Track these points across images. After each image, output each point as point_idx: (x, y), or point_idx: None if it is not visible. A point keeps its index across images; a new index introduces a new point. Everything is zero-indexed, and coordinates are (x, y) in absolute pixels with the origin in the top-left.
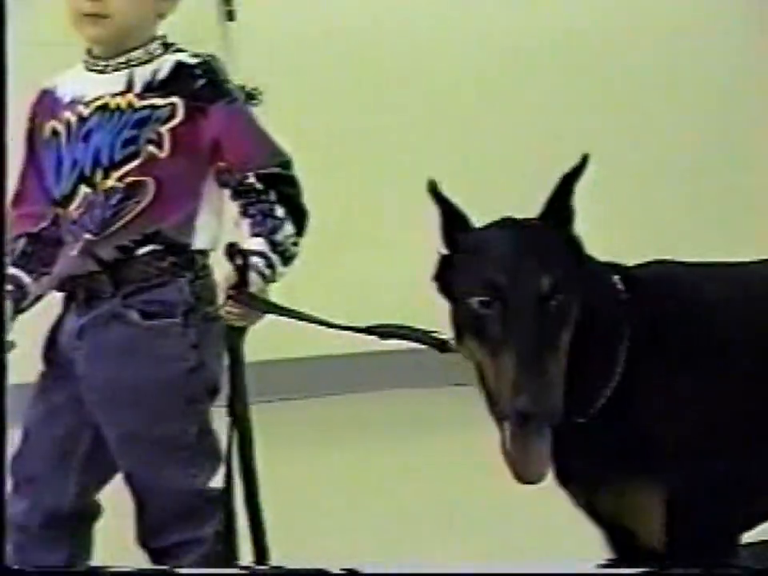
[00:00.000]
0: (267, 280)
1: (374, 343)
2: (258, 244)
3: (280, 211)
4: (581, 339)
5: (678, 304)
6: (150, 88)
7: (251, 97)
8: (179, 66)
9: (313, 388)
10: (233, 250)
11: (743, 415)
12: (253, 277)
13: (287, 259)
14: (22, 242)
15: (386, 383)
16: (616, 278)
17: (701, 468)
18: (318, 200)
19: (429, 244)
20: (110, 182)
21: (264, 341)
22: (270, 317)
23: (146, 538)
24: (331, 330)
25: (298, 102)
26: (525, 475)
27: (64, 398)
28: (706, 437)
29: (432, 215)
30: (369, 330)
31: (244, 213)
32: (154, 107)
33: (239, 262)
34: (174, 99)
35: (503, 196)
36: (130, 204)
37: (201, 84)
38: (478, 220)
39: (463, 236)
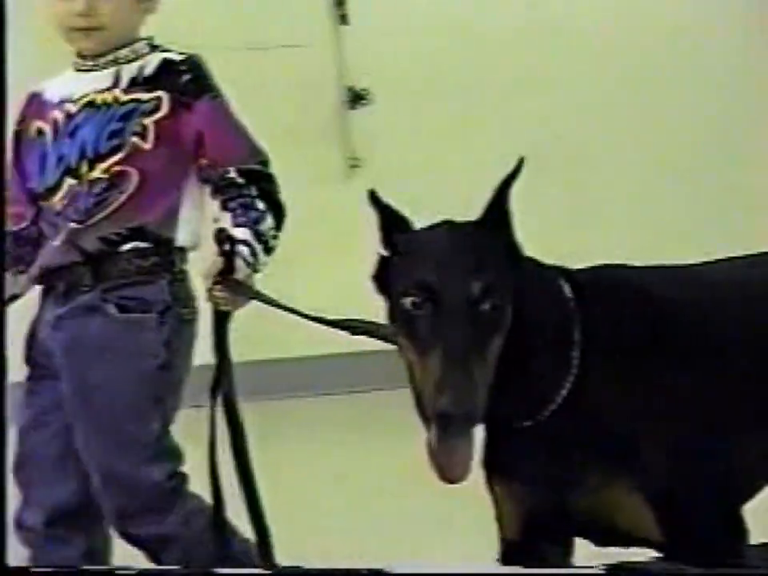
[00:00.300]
0: (252, 268)
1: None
2: (242, 233)
3: (261, 205)
4: (527, 344)
5: (628, 306)
6: (136, 83)
7: (360, 97)
8: (165, 63)
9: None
10: (222, 236)
11: (700, 411)
12: (239, 263)
13: (269, 249)
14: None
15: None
16: (563, 281)
17: (669, 464)
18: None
19: None
20: (96, 173)
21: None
22: (258, 309)
23: (112, 525)
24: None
25: (406, 102)
26: (447, 475)
27: (50, 399)
28: (669, 434)
29: None
30: (340, 325)
31: (224, 207)
32: (139, 101)
33: (227, 247)
34: (160, 93)
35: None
36: (114, 194)
37: (186, 79)
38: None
39: (401, 237)
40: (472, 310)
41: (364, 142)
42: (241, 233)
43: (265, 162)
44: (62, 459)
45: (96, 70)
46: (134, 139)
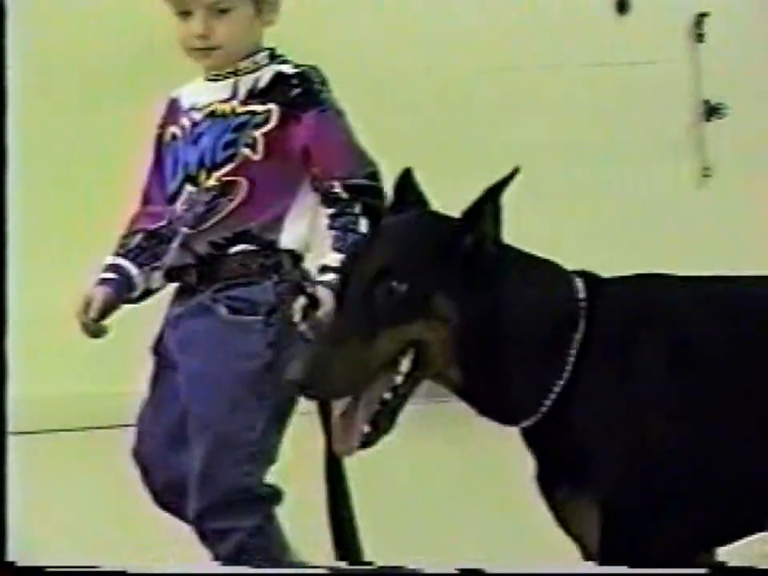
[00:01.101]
0: None
1: None
2: (335, 261)
3: (363, 225)
4: (515, 341)
5: (638, 317)
6: (252, 95)
7: (715, 110)
8: (278, 76)
9: None
10: (298, 290)
11: (689, 430)
12: (324, 294)
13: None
14: (139, 237)
15: None
16: (579, 284)
17: (635, 481)
18: None
19: None
20: (211, 182)
21: None
22: None
23: (192, 519)
24: None
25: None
26: (334, 449)
27: (167, 388)
28: (644, 450)
29: None
30: None
31: (330, 225)
32: (252, 113)
33: (305, 300)
34: (271, 106)
35: None
36: (224, 201)
37: (296, 93)
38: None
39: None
40: (366, 290)
41: (716, 153)
42: (334, 260)
43: (372, 175)
44: (175, 445)
45: (219, 80)
46: (245, 150)
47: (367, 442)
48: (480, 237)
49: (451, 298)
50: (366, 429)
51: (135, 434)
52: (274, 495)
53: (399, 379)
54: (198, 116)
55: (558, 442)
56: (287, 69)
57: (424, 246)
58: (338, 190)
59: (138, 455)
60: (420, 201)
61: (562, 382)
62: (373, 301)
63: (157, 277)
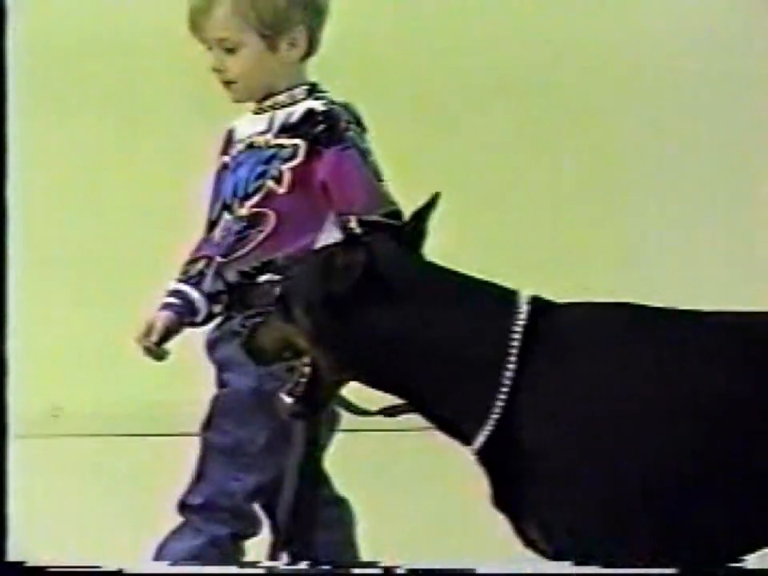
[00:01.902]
0: None
1: None
2: None
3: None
4: (442, 359)
5: (577, 342)
6: (284, 130)
7: None
8: (309, 113)
9: None
10: None
11: (628, 450)
12: None
13: None
14: (201, 263)
15: None
16: (524, 307)
17: (575, 503)
18: None
19: None
20: (243, 211)
21: None
22: None
23: (177, 507)
24: None
25: None
26: None
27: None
28: (581, 474)
29: None
30: None
31: None
32: (281, 147)
33: None
34: (298, 141)
35: None
36: (254, 232)
37: (321, 129)
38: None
39: None
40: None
41: None
42: None
43: (391, 214)
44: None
45: (259, 113)
46: (271, 183)
47: (295, 413)
48: (369, 261)
49: (310, 317)
50: (288, 399)
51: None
52: (254, 519)
53: (306, 369)
54: (240, 147)
55: (507, 464)
56: (318, 105)
57: (297, 269)
58: (352, 224)
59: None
60: None
61: (500, 404)
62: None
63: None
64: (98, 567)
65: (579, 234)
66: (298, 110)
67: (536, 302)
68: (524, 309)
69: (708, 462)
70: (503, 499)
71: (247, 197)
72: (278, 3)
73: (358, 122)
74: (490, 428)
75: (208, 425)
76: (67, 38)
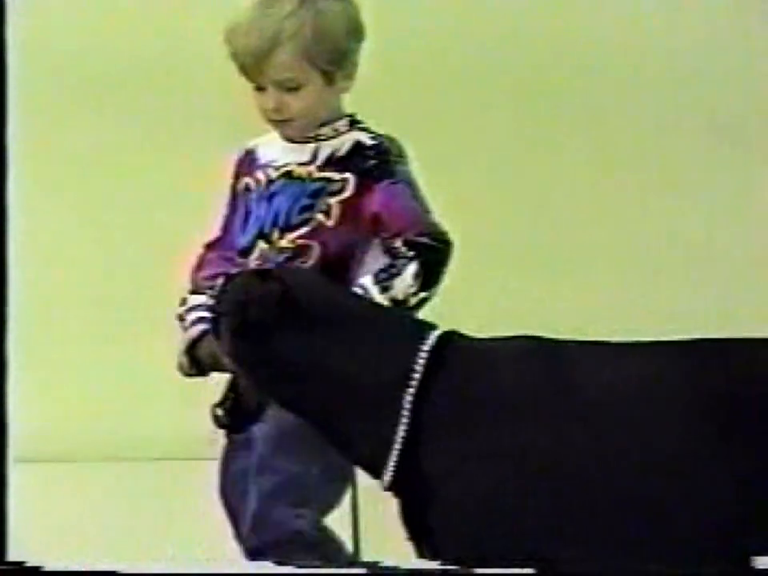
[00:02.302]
0: None
1: None
2: (364, 279)
3: (410, 273)
4: (353, 391)
5: (473, 382)
6: (330, 162)
7: None
8: (357, 146)
9: None
10: None
11: (526, 489)
12: None
13: (387, 291)
14: (221, 280)
15: None
16: (430, 339)
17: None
18: None
19: None
20: (284, 242)
21: None
22: None
23: (246, 556)
24: None
25: None
26: None
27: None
28: (483, 506)
29: None
30: None
31: (378, 270)
32: (329, 180)
33: None
34: (348, 175)
35: None
36: (297, 263)
37: (372, 163)
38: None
39: None
40: None
41: None
42: (363, 279)
43: (438, 238)
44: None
45: (298, 143)
46: (320, 216)
47: (223, 425)
48: (284, 290)
49: (230, 339)
50: (218, 411)
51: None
52: (328, 540)
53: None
54: (273, 174)
55: (414, 493)
56: (366, 138)
57: (230, 293)
58: (398, 244)
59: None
60: None
61: (400, 438)
62: None
63: None
64: (97, 567)
65: (580, 233)
66: (345, 144)
67: (445, 335)
68: (430, 340)
69: (594, 476)
70: (412, 525)
71: (290, 228)
72: (340, 38)
73: (403, 155)
74: (394, 462)
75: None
76: (70, 44)
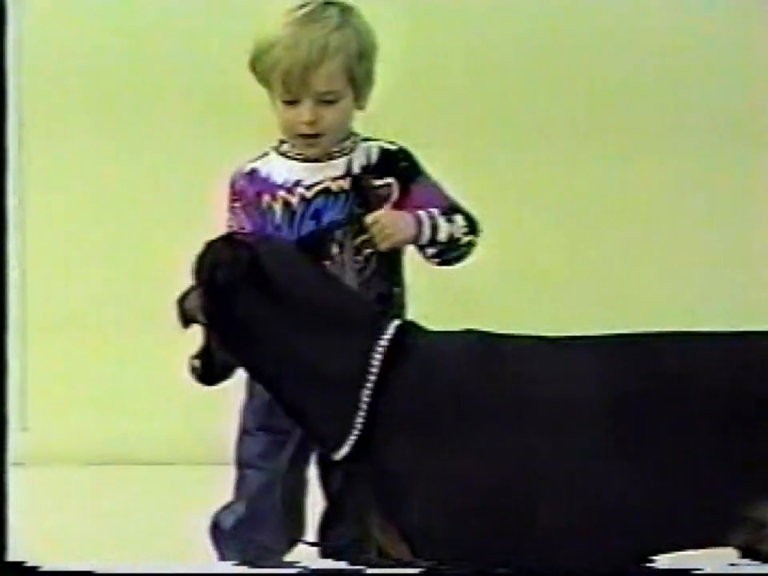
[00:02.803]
0: (430, 233)
1: None
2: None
3: (460, 216)
4: (311, 370)
5: (436, 362)
6: (367, 172)
7: None
8: (385, 153)
9: None
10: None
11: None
12: (423, 217)
13: (451, 236)
14: None
15: None
16: (390, 329)
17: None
18: None
19: None
20: (346, 255)
21: None
22: None
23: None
24: None
25: None
26: None
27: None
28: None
29: None
30: None
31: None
32: (376, 187)
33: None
34: (389, 180)
35: None
36: (365, 273)
37: (403, 166)
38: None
39: None
40: None
41: None
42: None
43: (472, 220)
44: None
45: (324, 161)
46: None
47: (198, 375)
48: (253, 258)
49: (201, 296)
50: (195, 363)
51: None
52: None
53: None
54: (308, 193)
55: (368, 479)
56: (386, 146)
57: (205, 255)
58: (435, 213)
59: None
60: None
61: (360, 420)
62: None
63: None
64: (97, 568)
65: (585, 233)
66: (372, 153)
67: (403, 326)
68: (389, 331)
69: (545, 470)
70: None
71: (345, 240)
72: (373, 57)
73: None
74: (352, 439)
75: None
76: (70, 45)
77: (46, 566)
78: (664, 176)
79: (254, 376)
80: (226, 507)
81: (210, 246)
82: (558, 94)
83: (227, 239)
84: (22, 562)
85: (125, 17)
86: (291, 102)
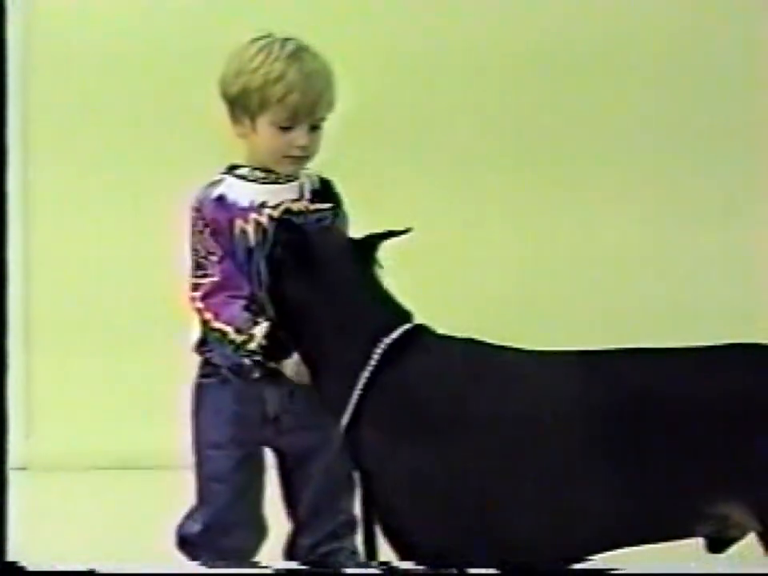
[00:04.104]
0: None
1: None
2: None
3: None
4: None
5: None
6: (315, 195)
7: None
8: (323, 180)
9: None
10: None
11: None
12: None
13: None
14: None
15: None
16: (398, 329)
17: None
18: None
19: None
20: None
21: None
22: None
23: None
24: None
25: None
26: None
27: None
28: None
29: None
30: None
31: None
32: (320, 210)
33: None
34: (329, 205)
35: None
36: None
37: (336, 193)
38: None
39: None
40: None
41: None
42: None
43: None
44: None
45: (281, 183)
46: None
47: (263, 351)
48: (304, 241)
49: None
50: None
51: None
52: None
53: None
54: (275, 213)
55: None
56: (323, 176)
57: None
58: None
59: None
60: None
61: (354, 399)
62: None
63: None
64: (97, 568)
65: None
66: (314, 179)
67: (415, 329)
68: (399, 330)
69: (515, 470)
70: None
71: None
72: None
73: None
74: (348, 416)
75: None
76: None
77: (47, 567)
78: (664, 176)
79: (295, 343)
80: (190, 516)
81: (276, 226)
82: (557, 94)
83: (286, 223)
84: (15, 562)
85: (128, 18)
86: (287, 128)
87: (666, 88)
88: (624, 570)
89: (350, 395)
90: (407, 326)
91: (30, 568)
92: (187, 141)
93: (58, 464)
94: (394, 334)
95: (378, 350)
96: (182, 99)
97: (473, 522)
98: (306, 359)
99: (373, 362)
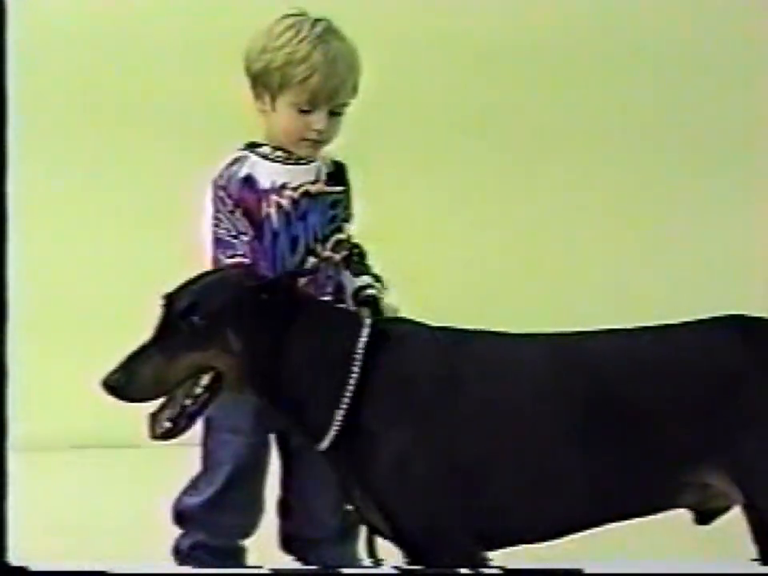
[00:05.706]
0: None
1: None
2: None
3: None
4: (297, 373)
5: (413, 361)
6: (330, 178)
7: None
8: (337, 163)
9: None
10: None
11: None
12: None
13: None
14: None
15: None
16: (365, 328)
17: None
18: None
19: None
20: (327, 253)
21: None
22: None
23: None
24: None
25: None
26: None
27: None
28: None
29: None
30: None
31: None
32: (337, 192)
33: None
34: (342, 188)
35: None
36: (340, 269)
37: (348, 178)
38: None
39: None
40: (175, 321)
41: None
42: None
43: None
44: None
45: (301, 165)
46: (345, 224)
47: (167, 435)
48: (271, 297)
49: (240, 336)
50: (167, 425)
51: None
52: None
53: (199, 390)
54: (295, 195)
55: (350, 459)
56: (336, 159)
57: (224, 296)
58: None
59: None
60: None
61: (341, 413)
62: (178, 330)
63: None
64: (97, 568)
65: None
66: (327, 162)
67: (377, 322)
68: (365, 332)
69: (503, 447)
70: (347, 489)
71: (325, 239)
72: None
73: None
74: (336, 427)
75: None
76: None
77: (46, 567)
78: (663, 177)
79: (262, 394)
80: (188, 491)
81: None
82: (556, 95)
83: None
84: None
85: (123, 19)
86: (306, 111)
87: (666, 88)
88: (624, 570)
89: (338, 399)
90: (368, 320)
91: (33, 568)
92: (187, 141)
93: (41, 444)
94: (363, 337)
95: (359, 348)
96: (182, 99)
97: (457, 501)
98: (276, 389)
99: (357, 358)
